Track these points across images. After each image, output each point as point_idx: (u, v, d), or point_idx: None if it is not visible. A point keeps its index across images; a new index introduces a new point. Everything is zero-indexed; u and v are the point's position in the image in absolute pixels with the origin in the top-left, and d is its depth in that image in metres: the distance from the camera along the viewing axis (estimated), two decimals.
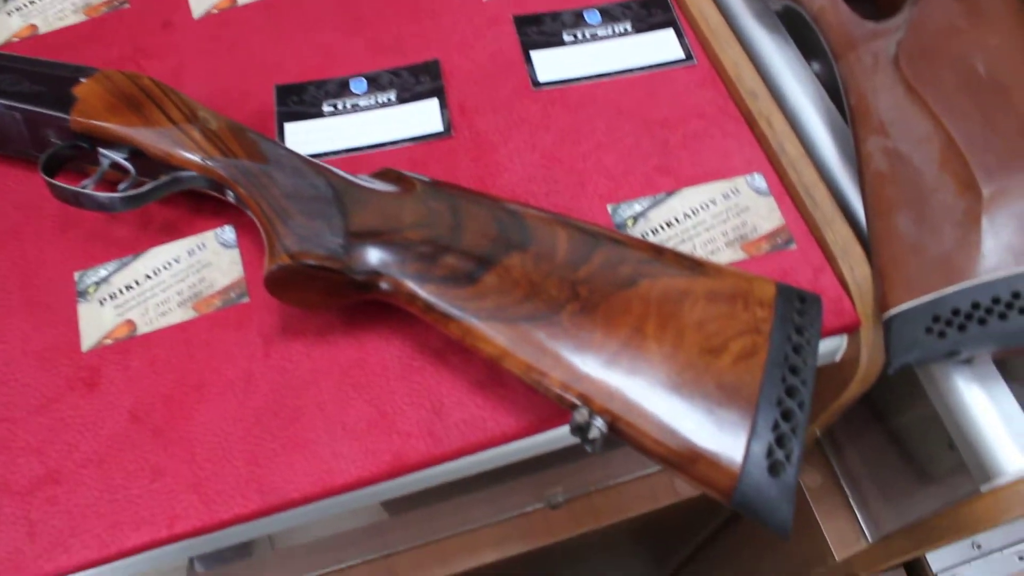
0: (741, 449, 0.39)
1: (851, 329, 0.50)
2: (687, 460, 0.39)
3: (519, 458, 0.48)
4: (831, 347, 0.51)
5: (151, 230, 0.54)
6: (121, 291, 0.51)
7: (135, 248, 0.53)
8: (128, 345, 0.50)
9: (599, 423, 0.40)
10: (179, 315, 0.50)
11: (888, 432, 0.70)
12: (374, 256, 0.45)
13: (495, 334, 0.43)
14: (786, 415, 0.40)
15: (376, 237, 0.45)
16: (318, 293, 0.46)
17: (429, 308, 0.44)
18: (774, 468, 0.39)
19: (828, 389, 0.55)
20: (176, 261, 0.52)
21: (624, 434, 0.40)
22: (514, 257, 0.45)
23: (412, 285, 0.44)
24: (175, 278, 0.52)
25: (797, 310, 0.44)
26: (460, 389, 0.47)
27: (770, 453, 0.39)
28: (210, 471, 0.45)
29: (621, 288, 0.44)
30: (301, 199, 0.47)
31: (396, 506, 0.66)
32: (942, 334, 0.46)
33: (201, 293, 0.51)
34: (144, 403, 0.48)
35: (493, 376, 0.47)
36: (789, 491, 0.39)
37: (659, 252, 0.46)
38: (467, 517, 0.67)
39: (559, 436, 0.47)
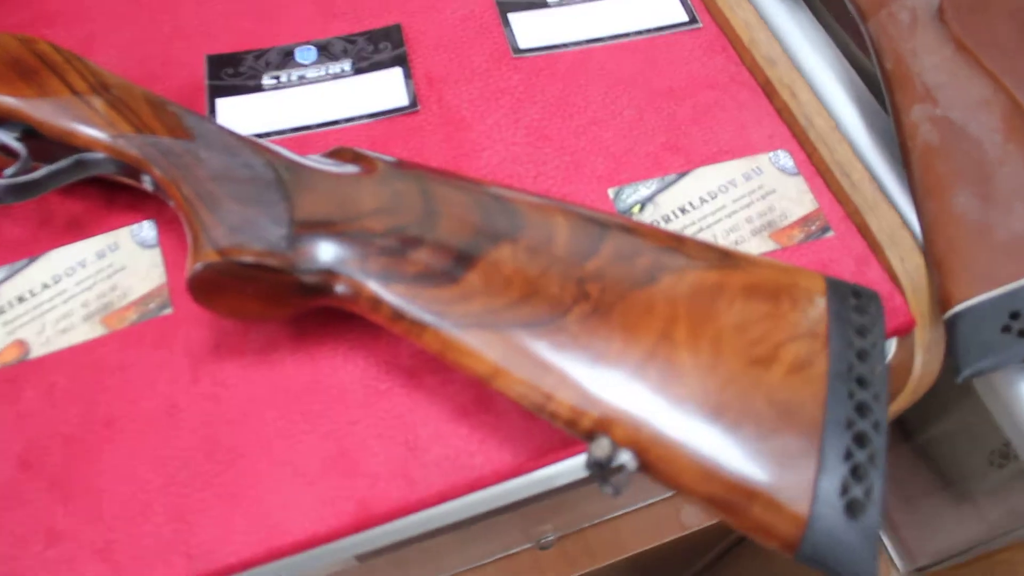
0: (808, 486, 0.30)
1: (904, 330, 0.42)
2: (738, 502, 0.31)
3: (513, 500, 0.39)
4: None
5: (51, 228, 0.44)
6: (11, 304, 0.41)
7: (30, 251, 0.43)
8: (18, 372, 0.39)
9: (626, 457, 0.31)
10: (84, 332, 0.40)
11: (916, 447, 0.62)
12: (327, 251, 0.36)
13: (483, 346, 0.34)
14: (860, 439, 0.31)
15: (329, 227, 0.36)
16: (257, 300, 0.36)
17: (398, 316, 0.35)
18: (852, 508, 0.30)
19: None
20: (81, 265, 0.42)
21: (655, 469, 0.32)
22: (503, 249, 0.36)
23: (376, 287, 0.35)
24: (80, 286, 0.42)
25: (855, 307, 0.36)
26: (439, 417, 0.38)
27: (845, 490, 0.30)
28: (122, 532, 0.35)
29: (640, 285, 0.35)
30: (233, 181, 0.37)
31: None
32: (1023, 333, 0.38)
33: (112, 304, 0.41)
34: (38, 445, 0.38)
35: (479, 400, 0.38)
36: (871, 537, 0.30)
37: (679, 241, 0.37)
38: (442, 564, 0.58)
39: (565, 471, 0.38)
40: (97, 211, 0.44)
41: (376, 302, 0.35)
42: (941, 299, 0.41)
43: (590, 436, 0.32)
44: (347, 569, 0.53)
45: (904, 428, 0.63)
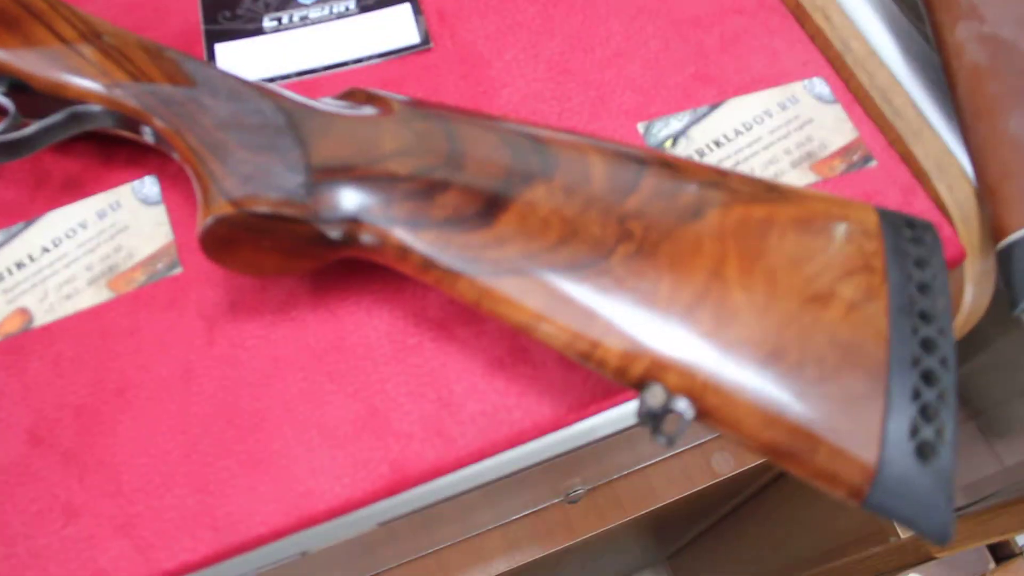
0: (875, 429, 0.28)
1: (954, 263, 0.40)
2: (802, 449, 0.29)
3: (554, 454, 0.37)
4: None
5: (47, 188, 0.41)
6: (9, 271, 0.39)
7: (26, 213, 0.40)
8: (22, 341, 0.37)
9: (682, 405, 0.29)
10: (90, 297, 0.38)
11: None
12: (349, 198, 0.33)
13: (522, 294, 0.31)
14: (927, 377, 0.29)
15: (349, 172, 0.34)
16: (275, 254, 0.34)
17: (428, 265, 0.33)
18: (923, 451, 0.28)
19: None
20: (82, 227, 0.40)
21: (712, 417, 0.30)
22: (537, 189, 0.33)
23: (403, 234, 0.33)
24: (82, 249, 0.39)
25: (910, 239, 0.33)
26: (473, 371, 0.36)
27: (915, 431, 0.28)
28: (143, 505, 0.34)
29: (685, 221, 0.33)
30: (242, 128, 0.34)
31: None
32: None
33: (118, 266, 0.39)
34: (48, 418, 0.35)
35: (515, 351, 0.36)
36: (945, 481, 0.28)
37: (722, 174, 0.35)
38: (470, 522, 0.56)
39: (608, 421, 0.36)
40: (95, 168, 0.41)
41: (404, 251, 0.33)
42: (994, 228, 0.38)
43: (641, 384, 0.30)
44: (376, 532, 0.52)
45: None
